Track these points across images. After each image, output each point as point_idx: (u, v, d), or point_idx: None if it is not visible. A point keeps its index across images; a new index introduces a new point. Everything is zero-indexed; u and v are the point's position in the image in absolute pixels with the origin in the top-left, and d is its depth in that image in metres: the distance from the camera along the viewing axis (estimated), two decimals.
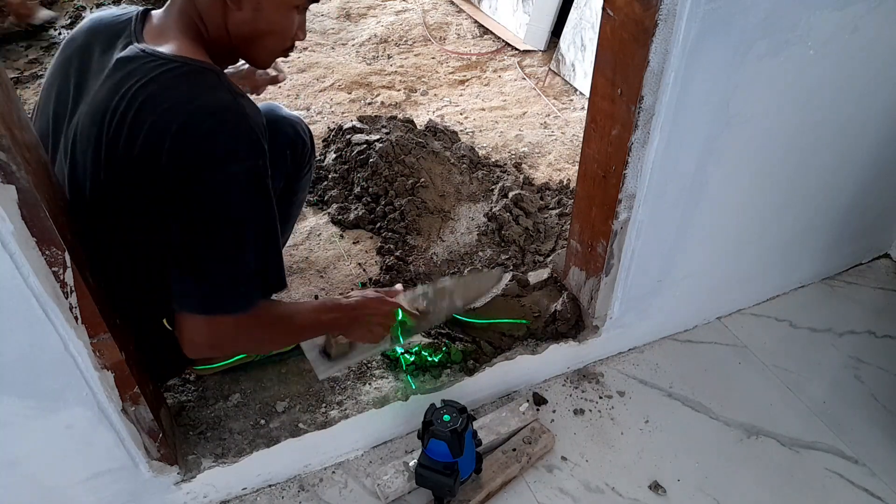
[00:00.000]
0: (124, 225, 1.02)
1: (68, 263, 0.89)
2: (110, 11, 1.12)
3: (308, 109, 2.38)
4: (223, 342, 1.03)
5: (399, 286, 1.30)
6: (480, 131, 2.27)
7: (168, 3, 1.06)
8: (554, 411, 1.50)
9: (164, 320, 1.10)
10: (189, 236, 0.95)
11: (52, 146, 1.09)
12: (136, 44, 1.02)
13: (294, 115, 1.37)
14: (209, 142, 0.93)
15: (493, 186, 1.95)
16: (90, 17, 1.14)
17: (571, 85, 2.49)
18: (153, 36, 1.04)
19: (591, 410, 1.50)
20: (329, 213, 1.88)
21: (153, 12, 1.09)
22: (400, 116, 2.28)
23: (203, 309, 0.98)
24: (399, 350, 1.44)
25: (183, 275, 0.97)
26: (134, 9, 1.10)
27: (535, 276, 1.62)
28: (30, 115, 1.04)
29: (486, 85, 2.51)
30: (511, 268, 1.69)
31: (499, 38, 2.78)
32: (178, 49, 1.00)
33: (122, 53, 1.01)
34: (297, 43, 1.14)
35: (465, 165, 2.01)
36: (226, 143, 0.93)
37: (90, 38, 1.08)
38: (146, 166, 0.95)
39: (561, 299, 1.53)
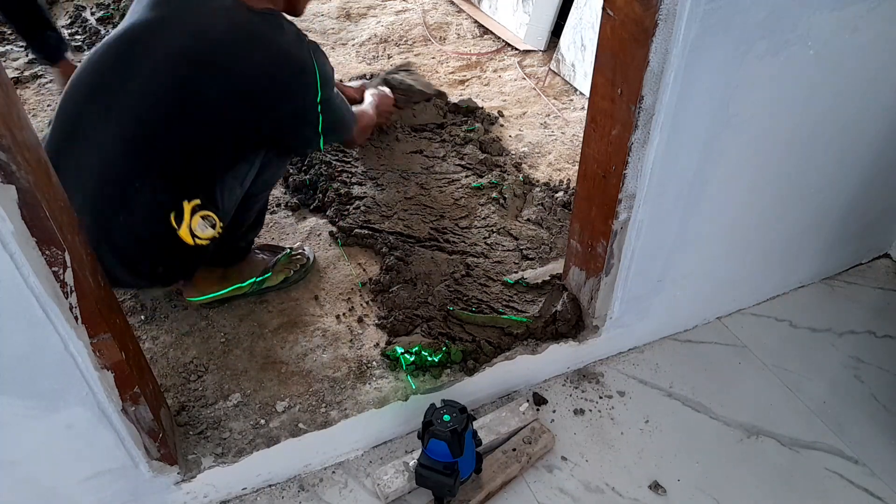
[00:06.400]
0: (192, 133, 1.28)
1: (68, 263, 0.89)
2: None
3: None
4: (365, 130, 1.77)
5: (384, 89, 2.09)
6: None
7: None
8: (554, 411, 1.50)
9: (171, 216, 1.28)
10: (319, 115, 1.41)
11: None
12: None
13: None
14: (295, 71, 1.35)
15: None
16: None
17: (571, 85, 2.49)
18: None
19: (591, 410, 1.50)
20: (328, 214, 1.88)
21: None
22: None
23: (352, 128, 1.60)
24: (399, 350, 1.44)
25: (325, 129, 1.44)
26: None
27: (535, 276, 1.62)
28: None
29: (486, 85, 2.50)
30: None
31: (499, 38, 2.78)
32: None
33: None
34: None
35: None
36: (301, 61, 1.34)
37: None
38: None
39: (561, 299, 1.53)
